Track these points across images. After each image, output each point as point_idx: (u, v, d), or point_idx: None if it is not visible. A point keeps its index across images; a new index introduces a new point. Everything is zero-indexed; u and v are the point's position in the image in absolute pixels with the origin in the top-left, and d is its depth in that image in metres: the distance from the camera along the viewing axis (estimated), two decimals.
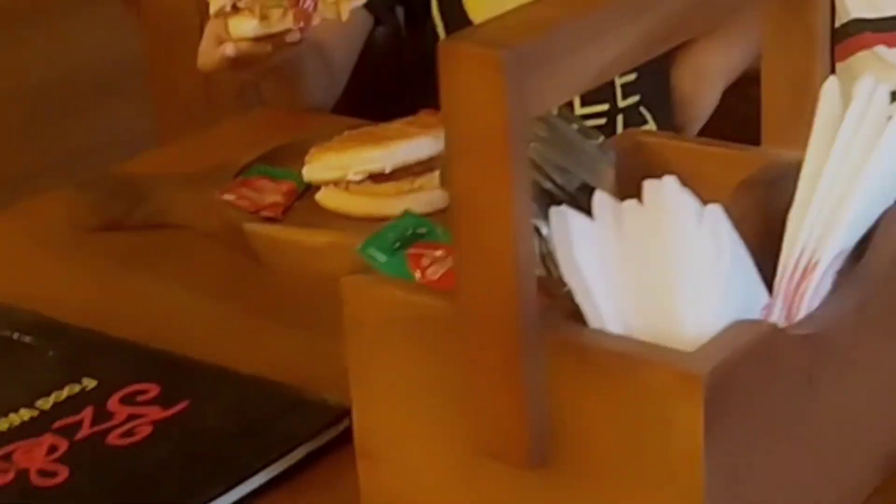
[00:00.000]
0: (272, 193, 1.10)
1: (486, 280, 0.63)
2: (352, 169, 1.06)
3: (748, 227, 0.71)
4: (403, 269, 0.71)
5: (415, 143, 1.06)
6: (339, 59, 1.36)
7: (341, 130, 1.19)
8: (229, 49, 1.14)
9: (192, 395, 0.85)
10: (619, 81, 1.36)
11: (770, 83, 0.81)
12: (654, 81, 1.40)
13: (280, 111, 1.35)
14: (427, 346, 0.69)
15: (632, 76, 1.36)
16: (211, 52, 1.17)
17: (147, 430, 0.82)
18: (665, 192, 0.65)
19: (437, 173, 1.06)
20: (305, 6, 1.11)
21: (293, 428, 0.81)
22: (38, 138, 1.86)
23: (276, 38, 1.13)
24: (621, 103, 1.37)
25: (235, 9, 1.13)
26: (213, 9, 1.14)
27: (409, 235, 0.73)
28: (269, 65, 1.19)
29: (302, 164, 1.12)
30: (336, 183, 1.08)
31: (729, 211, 0.67)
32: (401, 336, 0.69)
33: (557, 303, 0.66)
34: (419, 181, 1.06)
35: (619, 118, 1.37)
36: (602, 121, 1.36)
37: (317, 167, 1.09)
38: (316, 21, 1.14)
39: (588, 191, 0.80)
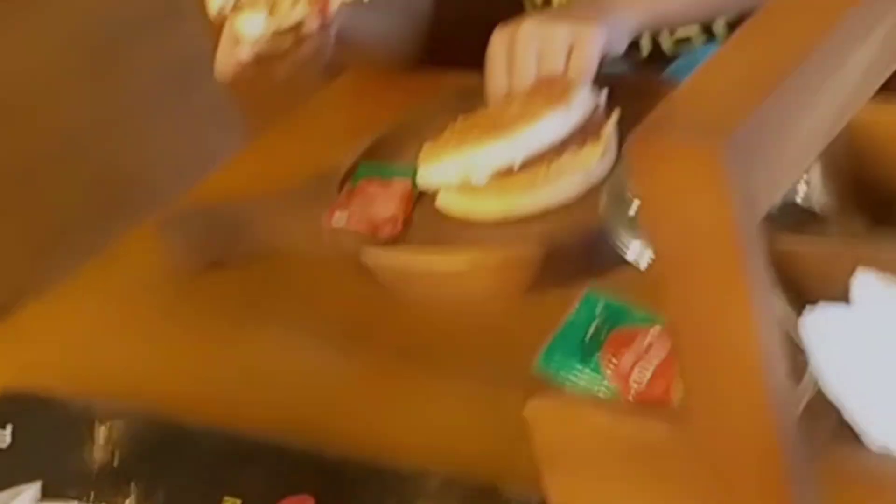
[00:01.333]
0: (386, 203, 0.95)
1: (731, 403, 0.48)
2: (475, 169, 0.90)
3: None
4: (599, 378, 0.56)
5: (544, 125, 0.89)
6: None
7: (440, 93, 1.05)
8: (243, 53, 0.97)
9: None
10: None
11: None
12: None
13: (365, 77, 1.19)
14: (650, 481, 0.54)
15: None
16: (227, 58, 1.00)
17: None
18: None
19: (574, 152, 0.90)
20: None
21: None
22: None
23: (295, 31, 0.97)
24: None
25: (237, 7, 0.96)
26: (212, 9, 0.98)
27: (596, 326, 0.58)
28: (299, 59, 1.01)
29: (412, 152, 0.97)
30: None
31: None
32: (613, 470, 0.55)
33: (818, 421, 0.51)
34: (555, 165, 0.90)
35: None
36: None
37: (434, 170, 0.93)
38: (335, 5, 0.97)
39: (791, 208, 0.65)
